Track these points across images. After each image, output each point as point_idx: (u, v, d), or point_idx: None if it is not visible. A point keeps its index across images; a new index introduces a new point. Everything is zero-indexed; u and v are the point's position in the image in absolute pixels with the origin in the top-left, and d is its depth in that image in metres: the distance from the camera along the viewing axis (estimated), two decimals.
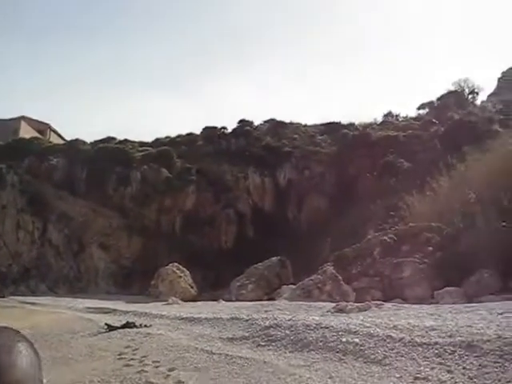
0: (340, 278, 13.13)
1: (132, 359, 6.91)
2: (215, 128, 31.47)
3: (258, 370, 5.63)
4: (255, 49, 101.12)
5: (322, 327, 6.40)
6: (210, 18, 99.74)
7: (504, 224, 12.83)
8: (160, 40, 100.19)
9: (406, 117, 31.15)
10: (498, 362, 4.45)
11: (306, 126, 31.24)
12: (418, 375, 4.44)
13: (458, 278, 12.33)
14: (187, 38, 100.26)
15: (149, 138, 32.29)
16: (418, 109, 32.74)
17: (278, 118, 31.86)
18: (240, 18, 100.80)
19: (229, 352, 6.55)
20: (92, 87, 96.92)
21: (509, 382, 4.12)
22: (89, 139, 32.03)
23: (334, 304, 9.26)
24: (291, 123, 31.35)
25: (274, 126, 31.01)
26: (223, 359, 6.27)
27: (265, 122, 32.01)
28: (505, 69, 37.41)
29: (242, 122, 31.73)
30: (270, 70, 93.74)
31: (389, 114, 31.87)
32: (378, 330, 5.83)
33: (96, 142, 31.01)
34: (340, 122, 30.43)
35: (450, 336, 5.13)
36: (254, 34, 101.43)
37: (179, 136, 31.91)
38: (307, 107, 76.23)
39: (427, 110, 31.52)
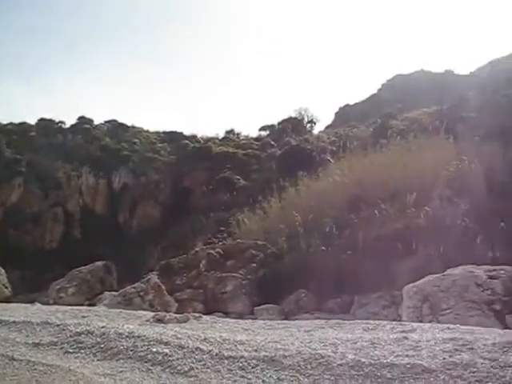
0: (163, 287, 13.05)
1: None
2: (52, 121, 29.98)
3: (60, 378, 5.36)
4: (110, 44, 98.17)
5: (134, 336, 6.28)
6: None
7: (323, 248, 13.67)
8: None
9: (247, 136, 32.13)
10: (294, 376, 4.72)
11: (147, 131, 30.93)
12: None
13: (278, 296, 12.86)
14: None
15: None
16: (260, 130, 33.99)
17: (120, 120, 31.23)
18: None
19: (32, 358, 6.16)
20: None
21: None
22: None
23: (153, 314, 9.15)
24: (133, 127, 30.86)
25: (115, 127, 30.29)
26: (24, 366, 5.89)
27: (106, 122, 31.12)
28: (342, 105, 40.33)
29: (81, 118, 30.56)
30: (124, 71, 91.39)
31: (231, 132, 32.68)
32: (189, 341, 5.86)
33: None
34: (182, 133, 30.58)
35: (256, 350, 5.32)
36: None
37: (11, 124, 29.86)
38: (152, 113, 75.29)
39: (268, 132, 32.80)
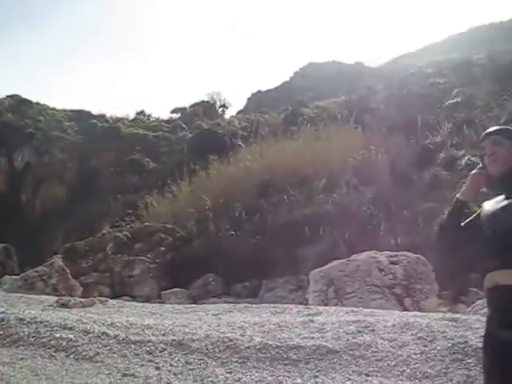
0: (68, 271, 12.61)
1: None
2: None
3: None
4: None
5: (36, 322, 6.03)
6: None
7: (232, 233, 13.74)
8: None
9: (158, 118, 31.58)
10: (202, 360, 4.73)
11: (54, 109, 29.59)
12: (127, 372, 4.45)
13: (186, 280, 12.81)
14: None
15: None
16: (171, 112, 33.50)
17: (24, 96, 29.62)
18: None
19: None
20: None
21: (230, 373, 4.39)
22: None
23: (57, 298, 8.84)
24: (38, 103, 29.41)
25: (18, 102, 28.72)
26: None
27: (8, 96, 29.41)
28: (254, 91, 40.54)
29: None
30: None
31: (141, 113, 31.98)
32: (95, 326, 5.70)
33: None
34: (90, 112, 29.54)
35: (164, 334, 5.27)
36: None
37: None
38: (60, 89, 72.41)
39: (179, 114, 32.39)
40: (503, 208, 2.46)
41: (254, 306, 7.25)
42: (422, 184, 13.76)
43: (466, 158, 13.56)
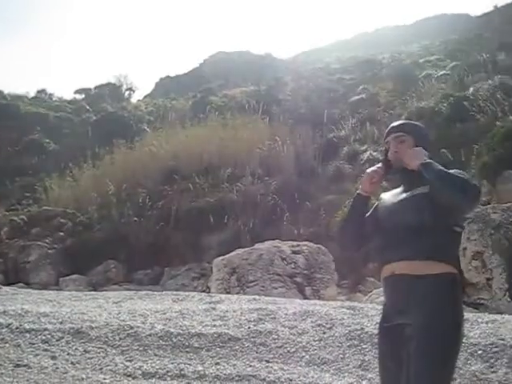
0: None
1: None
2: None
3: None
4: None
5: None
6: None
7: (136, 219, 13.51)
8: None
9: (61, 98, 30.37)
10: (102, 348, 4.61)
11: None
12: (20, 362, 4.25)
13: (86, 267, 12.48)
14: None
15: None
16: (75, 93, 32.31)
17: None
18: None
19: None
20: None
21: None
22: None
23: None
24: None
25: None
26: None
27: None
28: (163, 75, 39.91)
29: None
30: None
31: (43, 91, 30.60)
32: None
33: None
34: None
35: (61, 322, 5.07)
36: None
37: None
38: None
39: (83, 95, 31.30)
40: (401, 201, 2.52)
41: (155, 293, 7.17)
42: (325, 176, 14.15)
43: (368, 152, 14.07)
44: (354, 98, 19.76)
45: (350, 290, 9.79)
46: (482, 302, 7.11)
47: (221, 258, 8.95)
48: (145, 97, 34.75)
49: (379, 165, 2.70)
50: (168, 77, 39.15)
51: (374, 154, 13.52)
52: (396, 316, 2.42)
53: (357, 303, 6.60)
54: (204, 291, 9.17)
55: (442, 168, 2.41)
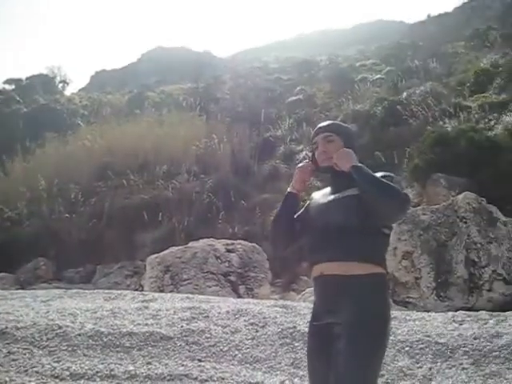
0: None
1: None
2: None
3: None
4: None
5: None
6: None
7: (67, 215, 13.17)
8: None
9: None
10: (28, 349, 4.45)
11: None
12: None
13: (14, 264, 12.05)
14: None
15: None
16: (4, 83, 31.12)
17: None
18: None
19: None
20: None
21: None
22: None
23: None
24: None
25: None
26: None
27: None
28: (98, 69, 39.12)
29: None
30: None
31: None
32: None
33: None
34: None
35: None
36: None
37: None
38: None
39: (13, 86, 30.18)
40: (331, 202, 2.54)
41: (86, 291, 7.00)
42: (261, 175, 14.22)
43: (304, 152, 14.24)
44: (292, 99, 19.98)
45: (284, 288, 9.88)
46: (411, 300, 7.33)
47: (154, 255, 8.84)
48: (79, 90, 33.98)
49: (308, 162, 2.74)
50: (104, 70, 38.46)
51: (310, 154, 13.68)
52: (325, 315, 2.46)
53: (290, 302, 6.67)
54: (137, 289, 9.04)
55: (373, 174, 2.44)
